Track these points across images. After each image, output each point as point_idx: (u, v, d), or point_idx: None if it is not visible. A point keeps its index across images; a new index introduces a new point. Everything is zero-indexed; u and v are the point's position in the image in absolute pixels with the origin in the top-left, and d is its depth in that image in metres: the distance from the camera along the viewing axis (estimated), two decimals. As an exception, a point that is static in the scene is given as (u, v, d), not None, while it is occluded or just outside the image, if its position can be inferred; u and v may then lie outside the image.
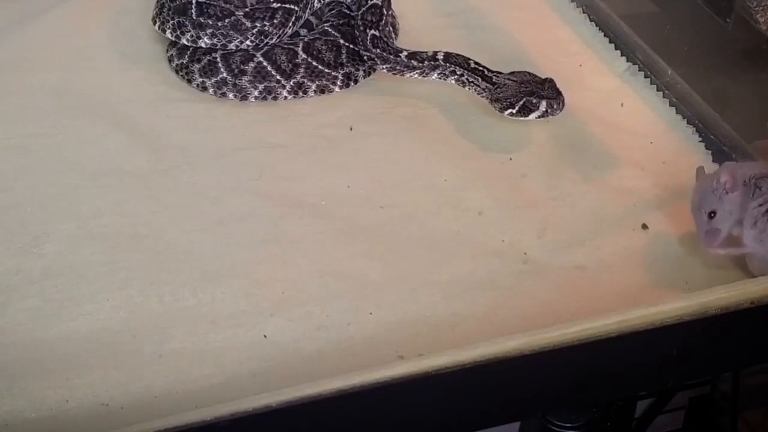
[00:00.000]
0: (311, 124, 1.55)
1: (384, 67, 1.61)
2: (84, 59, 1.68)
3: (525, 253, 1.32)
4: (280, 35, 1.60)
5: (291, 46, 1.58)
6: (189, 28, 1.57)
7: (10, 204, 1.38)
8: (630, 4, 1.87)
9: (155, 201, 1.40)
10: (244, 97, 1.57)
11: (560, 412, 1.41)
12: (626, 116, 1.59)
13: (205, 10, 1.57)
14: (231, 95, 1.57)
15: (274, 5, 1.59)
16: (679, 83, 1.60)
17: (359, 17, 1.60)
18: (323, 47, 1.58)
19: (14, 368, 1.16)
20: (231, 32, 1.56)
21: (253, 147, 1.50)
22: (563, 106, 1.51)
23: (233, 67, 1.56)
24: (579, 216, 1.39)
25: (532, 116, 1.51)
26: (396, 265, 1.30)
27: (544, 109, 1.50)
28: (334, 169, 1.46)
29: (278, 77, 1.56)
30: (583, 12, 1.82)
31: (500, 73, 1.57)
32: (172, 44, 1.65)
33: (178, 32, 1.59)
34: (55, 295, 1.25)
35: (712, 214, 1.26)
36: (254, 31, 1.57)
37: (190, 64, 1.59)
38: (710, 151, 1.50)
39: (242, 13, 1.57)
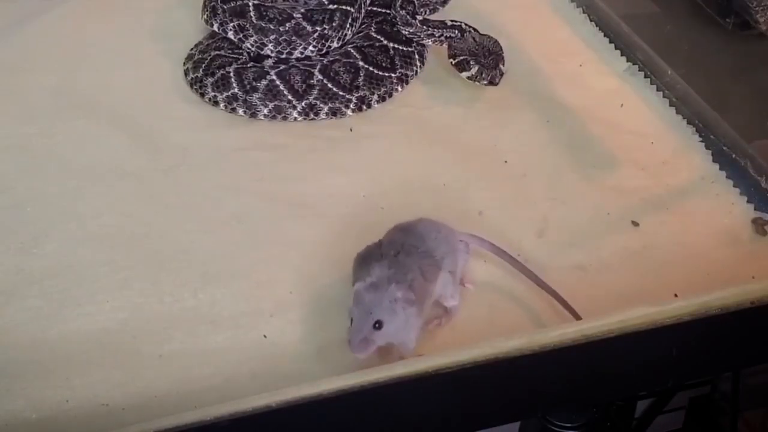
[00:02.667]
0: (311, 124, 1.55)
1: (407, 31, 1.64)
2: (84, 59, 1.68)
3: (525, 253, 1.32)
4: (340, 37, 1.61)
5: (308, 68, 1.56)
6: (252, 32, 1.58)
7: (10, 204, 1.38)
8: (630, 4, 1.87)
9: (155, 201, 1.40)
10: (254, 115, 1.55)
11: (560, 412, 1.41)
12: (626, 116, 1.59)
13: (264, 13, 1.57)
14: (241, 111, 1.55)
15: (330, 7, 1.60)
16: (679, 83, 1.60)
17: None
18: (341, 69, 1.56)
19: (14, 368, 1.16)
20: (294, 38, 1.57)
21: (253, 147, 1.50)
22: (494, 80, 1.57)
23: (245, 83, 1.54)
24: (579, 216, 1.39)
25: (464, 75, 1.59)
26: (396, 265, 1.30)
27: (473, 73, 1.58)
28: (335, 170, 1.46)
29: (290, 97, 1.54)
30: (583, 12, 1.82)
31: (477, 30, 1.64)
32: (189, 57, 1.65)
33: (241, 36, 1.59)
34: (55, 295, 1.25)
35: (377, 325, 1.10)
36: (315, 35, 1.58)
37: (204, 78, 1.58)
38: (710, 151, 1.50)
39: (300, 16, 1.57)
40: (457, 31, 1.64)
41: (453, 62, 1.60)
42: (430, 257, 1.18)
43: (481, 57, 1.58)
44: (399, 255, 1.16)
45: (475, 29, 1.65)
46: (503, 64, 1.59)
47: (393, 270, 1.13)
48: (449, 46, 1.63)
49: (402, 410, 1.10)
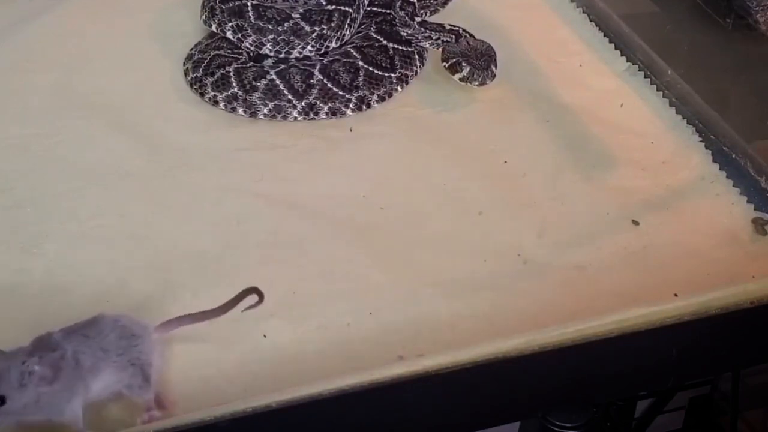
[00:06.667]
0: (311, 124, 1.56)
1: (405, 32, 1.65)
2: (84, 59, 1.68)
3: (525, 253, 1.32)
4: (338, 38, 1.61)
5: (308, 67, 1.56)
6: (250, 32, 1.58)
7: (10, 204, 1.38)
8: (630, 4, 1.87)
9: (155, 201, 1.40)
10: (254, 114, 1.55)
11: (560, 412, 1.41)
12: (626, 116, 1.59)
13: (263, 13, 1.58)
14: (241, 111, 1.55)
15: (329, 7, 1.61)
16: (679, 83, 1.60)
17: None
18: (341, 69, 1.56)
19: (14, 368, 1.15)
20: (292, 38, 1.57)
21: (253, 148, 1.50)
22: (485, 81, 1.58)
23: (245, 82, 1.54)
24: (579, 216, 1.39)
25: (456, 76, 1.60)
26: (396, 265, 1.30)
27: (465, 74, 1.58)
28: (335, 170, 1.46)
29: (290, 96, 1.53)
30: (583, 12, 1.82)
31: (472, 35, 1.65)
32: (189, 57, 1.65)
33: (239, 35, 1.59)
34: (55, 295, 1.25)
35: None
36: (314, 35, 1.58)
37: (204, 77, 1.58)
38: (710, 151, 1.50)
39: (299, 16, 1.58)
40: (453, 36, 1.65)
41: (446, 65, 1.61)
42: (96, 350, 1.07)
43: (473, 59, 1.59)
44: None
45: (471, 35, 1.65)
46: (495, 66, 1.59)
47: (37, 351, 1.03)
48: (442, 50, 1.63)
49: (402, 410, 1.10)
